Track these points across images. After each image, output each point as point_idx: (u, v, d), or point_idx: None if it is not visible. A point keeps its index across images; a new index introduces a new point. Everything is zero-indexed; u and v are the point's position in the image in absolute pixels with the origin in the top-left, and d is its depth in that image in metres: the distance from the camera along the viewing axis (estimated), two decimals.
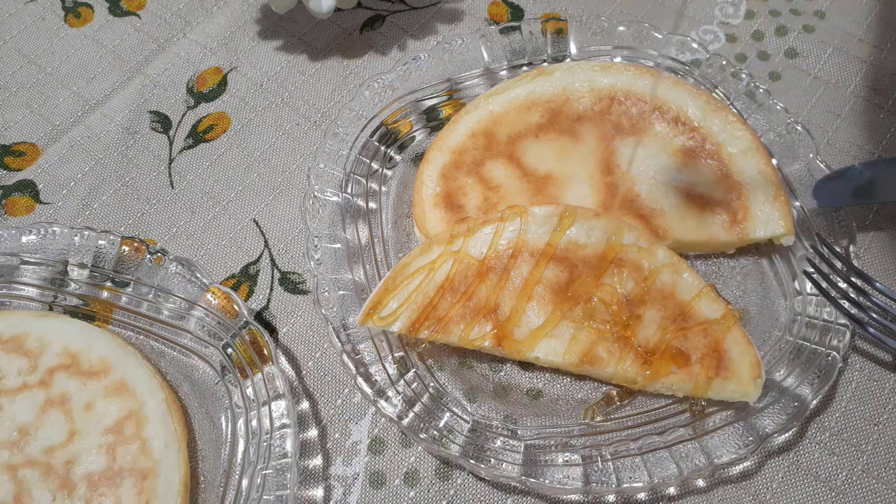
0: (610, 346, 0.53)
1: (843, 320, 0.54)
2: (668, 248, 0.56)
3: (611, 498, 0.52)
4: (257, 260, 0.64)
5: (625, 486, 0.50)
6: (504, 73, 0.69)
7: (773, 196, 0.59)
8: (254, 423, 0.53)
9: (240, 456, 0.52)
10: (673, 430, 0.52)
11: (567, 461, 0.51)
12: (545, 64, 0.69)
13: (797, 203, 0.60)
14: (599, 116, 0.64)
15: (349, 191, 0.62)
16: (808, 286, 0.57)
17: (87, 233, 0.59)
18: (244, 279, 0.63)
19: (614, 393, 0.56)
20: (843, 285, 0.56)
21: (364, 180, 0.64)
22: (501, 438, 0.52)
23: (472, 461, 0.50)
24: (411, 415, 0.52)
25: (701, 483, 0.53)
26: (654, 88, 0.64)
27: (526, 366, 0.57)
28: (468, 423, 0.53)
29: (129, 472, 0.50)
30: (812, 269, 0.57)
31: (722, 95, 0.66)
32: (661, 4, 0.78)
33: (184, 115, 0.73)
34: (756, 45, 0.74)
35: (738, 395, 0.52)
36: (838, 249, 0.57)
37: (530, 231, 0.57)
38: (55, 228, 0.59)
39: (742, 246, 0.60)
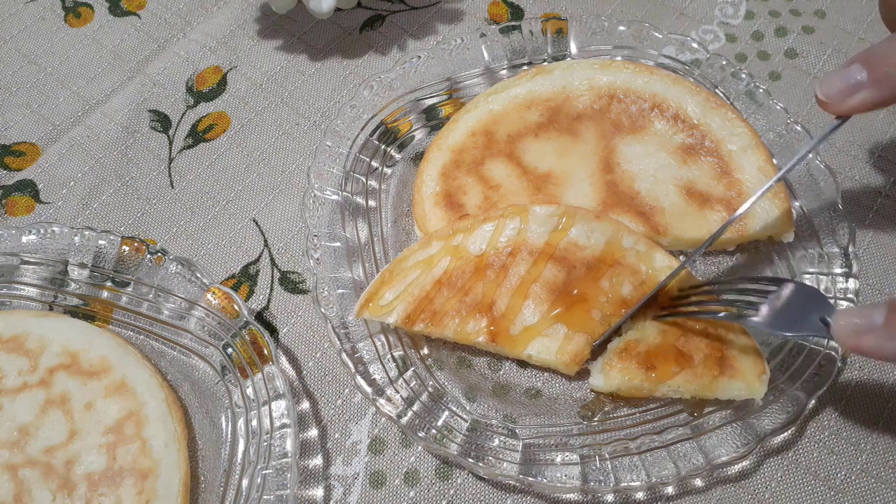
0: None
1: None
2: (666, 252, 0.56)
3: (609, 497, 0.52)
4: (257, 260, 0.64)
5: (623, 485, 0.50)
6: (504, 72, 0.69)
7: (773, 193, 0.59)
8: (254, 422, 0.53)
9: (240, 456, 0.52)
10: (671, 430, 0.52)
11: (565, 460, 0.51)
12: (545, 63, 0.69)
13: (797, 203, 0.60)
14: (599, 115, 0.64)
15: (349, 189, 0.62)
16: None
17: (87, 233, 0.59)
18: (244, 279, 0.63)
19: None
20: (842, 285, 0.56)
21: (364, 178, 0.64)
22: (500, 437, 0.52)
23: (470, 460, 0.50)
24: (410, 413, 0.52)
25: (699, 482, 0.53)
26: (654, 86, 0.64)
27: (525, 365, 0.57)
28: (467, 421, 0.53)
29: (130, 471, 0.50)
30: (812, 269, 0.57)
31: (722, 95, 0.66)
32: (661, 4, 0.78)
33: (183, 114, 0.73)
34: (756, 45, 0.74)
35: (745, 392, 0.51)
36: (838, 249, 0.57)
37: (530, 230, 0.56)
38: (55, 228, 0.59)
39: (742, 243, 0.61)
